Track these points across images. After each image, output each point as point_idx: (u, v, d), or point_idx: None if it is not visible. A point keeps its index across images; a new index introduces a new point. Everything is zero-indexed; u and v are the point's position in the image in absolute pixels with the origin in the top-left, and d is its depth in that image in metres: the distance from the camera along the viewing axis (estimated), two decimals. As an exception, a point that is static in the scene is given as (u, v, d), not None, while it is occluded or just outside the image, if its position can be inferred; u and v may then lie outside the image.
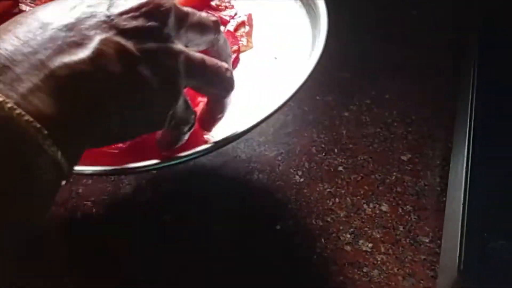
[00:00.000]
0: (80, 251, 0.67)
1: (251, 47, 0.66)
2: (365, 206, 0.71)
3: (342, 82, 0.86)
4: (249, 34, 0.67)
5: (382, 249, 0.67)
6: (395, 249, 0.67)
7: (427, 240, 0.67)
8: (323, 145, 0.78)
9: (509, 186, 0.59)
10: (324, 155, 0.77)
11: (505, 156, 0.61)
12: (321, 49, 0.57)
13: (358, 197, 0.72)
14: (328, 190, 0.73)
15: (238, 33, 0.66)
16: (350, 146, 0.78)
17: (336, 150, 0.77)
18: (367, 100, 0.83)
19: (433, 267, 0.65)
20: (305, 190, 0.73)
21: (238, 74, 0.56)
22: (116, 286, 0.64)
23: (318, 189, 0.73)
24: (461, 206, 0.58)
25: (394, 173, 0.74)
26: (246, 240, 0.68)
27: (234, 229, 0.69)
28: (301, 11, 0.68)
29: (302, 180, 0.74)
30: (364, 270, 0.65)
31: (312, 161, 0.76)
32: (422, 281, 0.64)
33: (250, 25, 0.68)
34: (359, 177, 0.74)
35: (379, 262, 0.66)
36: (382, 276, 0.65)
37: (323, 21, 0.61)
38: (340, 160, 0.76)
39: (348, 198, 0.72)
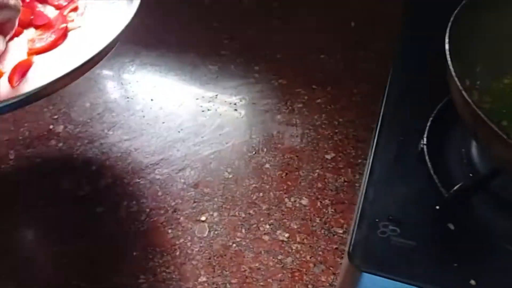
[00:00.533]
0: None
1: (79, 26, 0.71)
2: (286, 200, 0.76)
3: (278, 88, 0.92)
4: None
5: (298, 239, 0.71)
6: (310, 239, 0.71)
7: (340, 231, 0.72)
8: (253, 145, 0.83)
9: (401, 180, 0.63)
10: (254, 154, 0.82)
11: (403, 152, 0.65)
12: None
13: (281, 191, 0.77)
14: (254, 185, 0.78)
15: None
16: (279, 145, 0.83)
17: (265, 149, 0.82)
18: (299, 104, 0.89)
19: (343, 255, 0.69)
20: (232, 185, 0.78)
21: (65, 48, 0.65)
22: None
23: (244, 184, 0.78)
24: (360, 196, 0.62)
25: (317, 170, 0.79)
26: (168, 231, 0.72)
27: (158, 221, 0.74)
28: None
29: (230, 176, 0.79)
30: (279, 258, 0.70)
31: (242, 159, 0.81)
32: (331, 268, 0.68)
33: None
34: (284, 174, 0.79)
35: (293, 250, 0.70)
36: (295, 263, 0.69)
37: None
38: (268, 158, 0.81)
39: (271, 193, 0.77)
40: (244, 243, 0.71)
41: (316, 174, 0.79)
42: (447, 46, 0.53)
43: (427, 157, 0.63)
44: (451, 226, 0.59)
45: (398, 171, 0.65)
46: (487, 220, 0.60)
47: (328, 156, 0.81)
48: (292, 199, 0.76)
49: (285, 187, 0.77)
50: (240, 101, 0.90)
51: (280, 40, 0.99)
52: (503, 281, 0.54)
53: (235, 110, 0.88)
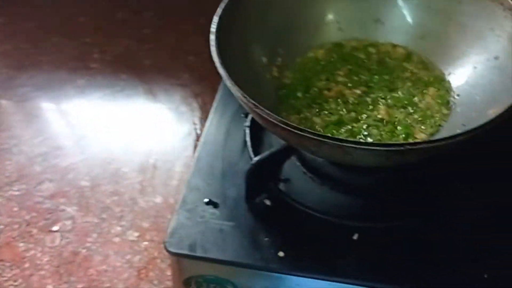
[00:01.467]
0: None
1: None
2: (140, 200, 0.76)
3: (142, 92, 0.93)
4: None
5: (147, 237, 0.72)
6: (160, 236, 0.72)
7: (191, 224, 0.73)
8: (112, 151, 0.84)
9: (224, 164, 0.64)
10: (113, 160, 0.82)
11: (228, 139, 0.67)
12: None
13: (136, 192, 0.77)
14: (110, 190, 0.78)
15: None
16: (138, 149, 0.84)
17: (124, 154, 0.83)
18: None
19: (192, 247, 0.70)
20: (88, 193, 0.78)
21: None
22: None
23: (100, 190, 0.78)
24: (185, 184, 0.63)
25: (176, 168, 0.80)
26: (20, 245, 0.72)
27: (11, 236, 0.73)
28: None
29: (88, 184, 0.79)
30: (127, 257, 0.70)
31: (100, 166, 0.81)
32: (177, 261, 0.69)
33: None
34: (140, 176, 0.80)
35: (142, 248, 0.70)
36: (142, 261, 0.69)
37: None
38: (126, 162, 0.82)
39: (126, 195, 0.77)
40: (94, 247, 0.71)
41: (171, 173, 0.79)
42: (212, 36, 0.54)
43: (248, 139, 0.64)
44: (267, 202, 0.60)
45: (222, 156, 0.66)
46: (300, 192, 0.61)
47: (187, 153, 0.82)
48: (146, 198, 0.76)
49: (139, 188, 0.78)
50: (104, 109, 0.91)
51: (152, 48, 1.01)
52: (310, 249, 0.56)
53: (99, 119, 0.89)
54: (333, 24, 0.67)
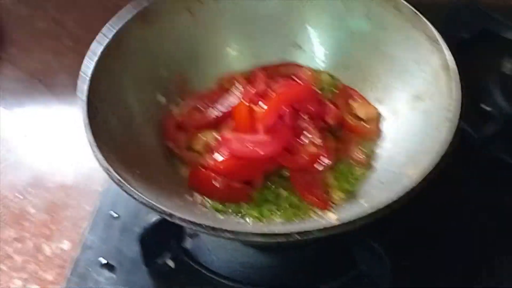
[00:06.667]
0: None
1: None
2: (45, 247, 0.69)
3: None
4: None
5: (51, 290, 0.65)
6: (64, 289, 0.65)
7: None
8: (19, 187, 0.75)
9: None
10: (22, 198, 0.74)
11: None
12: None
13: (42, 238, 0.70)
14: (13, 236, 0.70)
15: None
16: (49, 184, 0.76)
17: (32, 190, 0.75)
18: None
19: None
20: (-13, 240, 0.70)
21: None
22: None
23: (2, 236, 0.70)
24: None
25: (86, 206, 0.73)
26: None
27: None
28: None
29: (-12, 228, 0.71)
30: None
31: (4, 206, 0.73)
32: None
33: None
34: (49, 217, 0.72)
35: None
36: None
37: None
38: (33, 200, 0.74)
39: (30, 242, 0.69)
40: (-12, 307, 0.64)
41: (84, 212, 0.72)
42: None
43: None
44: (170, 264, 0.54)
45: (124, 208, 0.59)
46: (207, 250, 0.55)
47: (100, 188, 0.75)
48: (53, 245, 0.69)
49: (46, 232, 0.70)
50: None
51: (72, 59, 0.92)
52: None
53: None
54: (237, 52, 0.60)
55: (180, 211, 0.43)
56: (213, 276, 0.51)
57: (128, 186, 0.41)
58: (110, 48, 0.50)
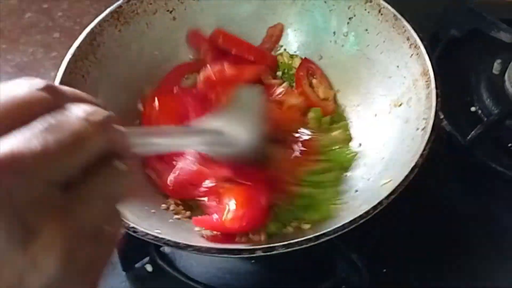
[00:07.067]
0: None
1: None
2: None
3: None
4: None
5: None
6: None
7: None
8: None
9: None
10: None
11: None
12: None
13: None
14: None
15: None
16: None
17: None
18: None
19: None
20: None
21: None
22: None
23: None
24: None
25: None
26: None
27: None
28: None
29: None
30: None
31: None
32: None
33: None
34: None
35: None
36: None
37: None
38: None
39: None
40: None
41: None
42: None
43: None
44: (149, 268, 0.54)
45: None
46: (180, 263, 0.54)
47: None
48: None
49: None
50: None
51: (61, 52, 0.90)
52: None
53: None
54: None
55: (148, 222, 0.43)
56: (190, 282, 0.51)
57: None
58: (82, 51, 0.49)
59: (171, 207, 0.49)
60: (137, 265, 0.53)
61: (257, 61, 0.58)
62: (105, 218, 0.25)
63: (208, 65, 0.53)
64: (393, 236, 0.53)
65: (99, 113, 0.25)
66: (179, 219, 0.47)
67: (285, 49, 0.60)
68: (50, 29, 0.94)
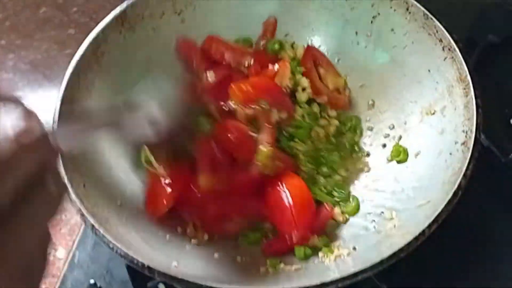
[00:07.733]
0: None
1: None
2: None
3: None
4: None
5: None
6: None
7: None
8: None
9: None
10: None
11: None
12: None
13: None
14: None
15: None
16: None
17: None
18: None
19: None
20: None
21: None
22: None
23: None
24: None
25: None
26: None
27: None
28: None
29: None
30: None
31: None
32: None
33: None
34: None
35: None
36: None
37: None
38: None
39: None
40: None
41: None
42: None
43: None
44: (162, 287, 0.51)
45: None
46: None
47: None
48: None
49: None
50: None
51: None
52: None
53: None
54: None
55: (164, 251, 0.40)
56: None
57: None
58: (85, 61, 0.45)
59: (188, 230, 0.46)
60: (149, 285, 0.50)
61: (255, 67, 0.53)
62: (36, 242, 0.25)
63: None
64: (424, 267, 0.48)
65: (31, 132, 0.23)
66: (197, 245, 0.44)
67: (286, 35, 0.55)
68: (65, 24, 0.91)
